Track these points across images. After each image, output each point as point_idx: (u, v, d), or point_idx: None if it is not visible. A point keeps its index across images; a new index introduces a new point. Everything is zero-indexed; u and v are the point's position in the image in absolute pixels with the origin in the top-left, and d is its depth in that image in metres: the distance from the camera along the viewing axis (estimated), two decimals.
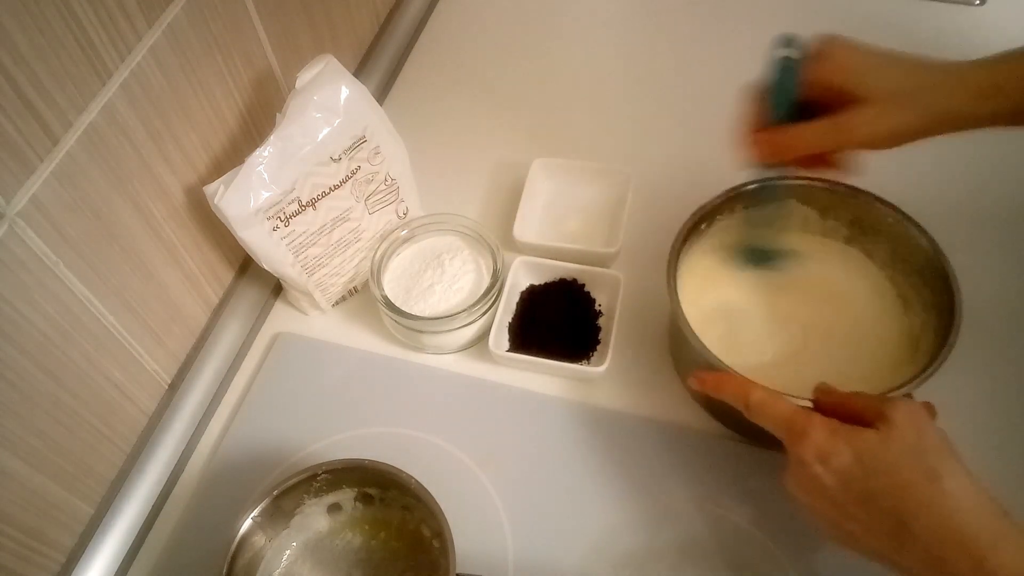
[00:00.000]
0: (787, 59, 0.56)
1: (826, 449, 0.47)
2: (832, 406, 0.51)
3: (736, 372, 0.56)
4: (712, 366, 0.57)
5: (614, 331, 0.68)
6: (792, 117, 0.57)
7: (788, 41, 0.57)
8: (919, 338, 0.61)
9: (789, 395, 0.53)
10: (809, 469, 0.48)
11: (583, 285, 0.72)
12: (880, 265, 0.66)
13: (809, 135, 0.56)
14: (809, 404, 0.53)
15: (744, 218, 0.66)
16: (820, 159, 0.59)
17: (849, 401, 0.50)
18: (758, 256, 0.67)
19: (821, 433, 0.48)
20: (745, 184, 0.64)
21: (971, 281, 0.59)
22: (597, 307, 0.72)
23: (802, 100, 0.56)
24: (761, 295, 0.67)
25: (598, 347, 0.69)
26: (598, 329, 0.70)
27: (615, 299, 0.70)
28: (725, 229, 0.67)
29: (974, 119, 0.53)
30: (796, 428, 0.49)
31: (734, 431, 0.65)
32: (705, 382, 0.56)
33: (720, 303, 0.67)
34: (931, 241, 0.61)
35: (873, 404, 0.48)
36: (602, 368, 0.66)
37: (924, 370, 0.55)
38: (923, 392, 0.55)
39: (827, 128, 0.55)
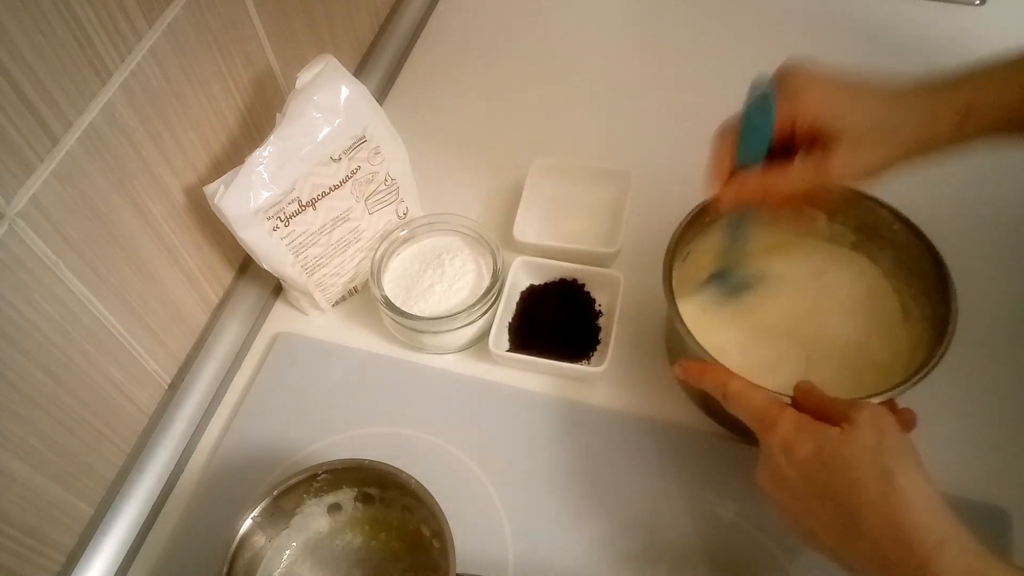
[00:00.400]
0: (763, 100, 0.54)
1: (790, 441, 0.48)
2: (809, 406, 0.51)
3: (719, 363, 0.56)
4: (700, 358, 0.57)
5: (614, 331, 0.68)
6: (762, 158, 0.56)
7: (762, 83, 0.55)
8: (915, 347, 0.61)
9: (772, 391, 0.53)
10: (774, 460, 0.49)
11: (583, 285, 0.72)
12: (884, 273, 0.66)
13: (789, 180, 0.55)
14: (788, 400, 0.53)
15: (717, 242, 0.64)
16: (793, 200, 0.58)
17: (823, 403, 0.51)
18: (723, 281, 0.66)
19: (788, 425, 0.49)
20: None
21: (971, 292, 0.59)
22: (597, 307, 0.72)
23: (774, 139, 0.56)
24: (762, 298, 0.67)
25: (598, 347, 0.69)
26: (598, 329, 0.70)
27: (615, 299, 0.70)
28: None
29: (949, 142, 0.52)
30: (767, 419, 0.50)
31: (731, 431, 0.65)
32: (688, 371, 0.57)
33: (716, 307, 0.67)
34: (933, 251, 0.60)
35: (842, 406, 0.49)
36: (601, 368, 0.66)
37: (907, 380, 0.55)
38: (911, 398, 0.55)
39: (807, 171, 0.54)
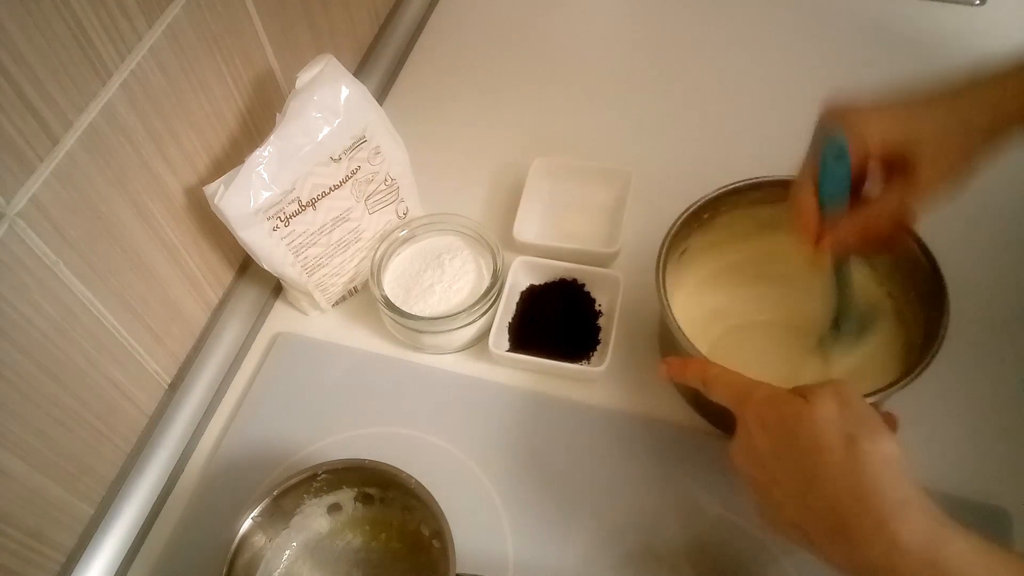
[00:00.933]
0: (839, 148, 0.54)
1: (762, 412, 0.49)
2: None
3: (700, 356, 0.57)
4: (687, 353, 0.58)
5: (614, 331, 0.68)
6: (846, 202, 0.56)
7: (832, 131, 0.54)
8: (908, 350, 0.61)
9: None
10: (747, 431, 0.49)
11: (583, 285, 0.72)
12: (880, 279, 0.65)
13: (882, 208, 0.55)
14: None
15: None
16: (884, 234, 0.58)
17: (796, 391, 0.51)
18: (846, 327, 0.63)
19: (760, 397, 0.49)
20: (739, 182, 0.65)
21: (967, 293, 0.59)
22: (597, 307, 0.72)
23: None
24: (757, 301, 0.67)
25: (598, 347, 0.69)
26: (598, 329, 0.70)
27: (615, 299, 0.70)
28: (721, 227, 0.67)
29: (1016, 123, 0.53)
30: (742, 394, 0.51)
31: (728, 431, 0.65)
32: (671, 367, 0.57)
33: (714, 306, 0.67)
34: (931, 259, 0.60)
35: (807, 387, 0.49)
36: (602, 368, 0.66)
37: (898, 381, 0.55)
38: (908, 399, 0.55)
39: (896, 194, 0.54)
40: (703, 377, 0.54)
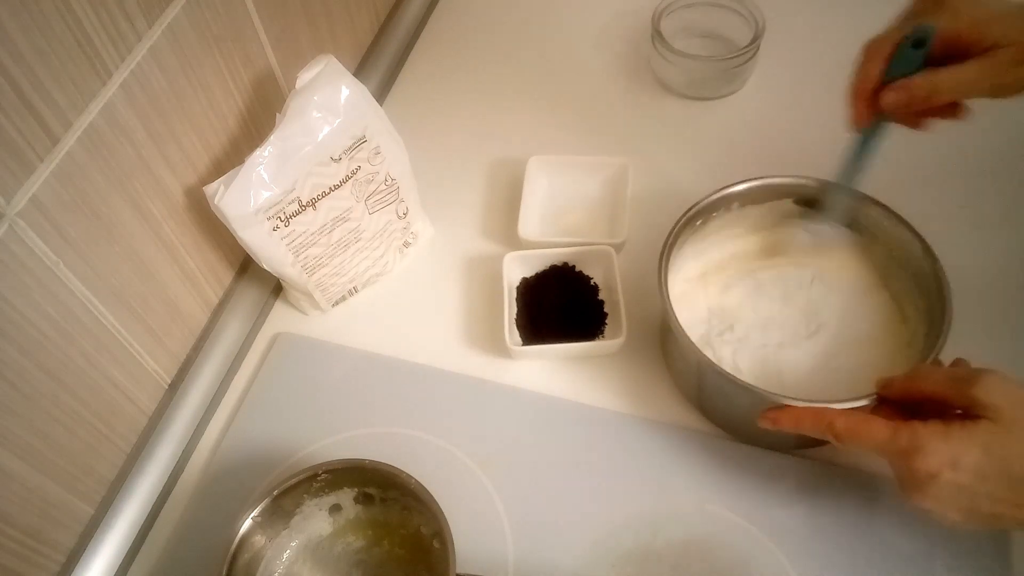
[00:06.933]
0: (922, 34, 0.54)
1: (951, 454, 0.47)
2: (899, 395, 0.50)
3: (813, 404, 0.54)
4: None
5: (622, 303, 0.68)
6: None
7: (922, 26, 0.54)
8: (910, 343, 0.61)
9: (840, 401, 0.53)
10: (941, 479, 0.47)
11: (574, 266, 0.73)
12: (876, 269, 0.66)
13: (961, 79, 0.53)
14: (858, 405, 0.53)
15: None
16: (932, 111, 0.57)
17: (915, 385, 0.50)
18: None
19: (935, 442, 0.47)
20: (735, 183, 0.65)
21: (966, 287, 0.59)
22: (593, 283, 0.72)
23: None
24: (755, 298, 0.67)
25: (607, 320, 0.70)
26: (601, 303, 0.71)
27: (612, 271, 0.71)
28: (719, 228, 0.68)
29: None
30: (904, 446, 0.48)
31: (727, 431, 0.65)
32: (780, 420, 0.55)
33: (714, 304, 0.67)
34: (925, 246, 0.60)
35: (954, 388, 0.48)
36: (620, 340, 0.66)
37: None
38: None
39: (979, 71, 0.52)
40: (832, 431, 0.52)
